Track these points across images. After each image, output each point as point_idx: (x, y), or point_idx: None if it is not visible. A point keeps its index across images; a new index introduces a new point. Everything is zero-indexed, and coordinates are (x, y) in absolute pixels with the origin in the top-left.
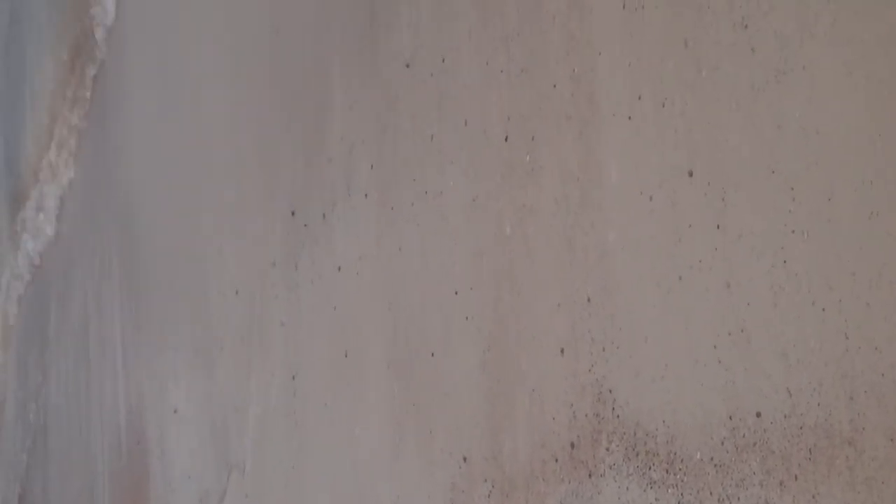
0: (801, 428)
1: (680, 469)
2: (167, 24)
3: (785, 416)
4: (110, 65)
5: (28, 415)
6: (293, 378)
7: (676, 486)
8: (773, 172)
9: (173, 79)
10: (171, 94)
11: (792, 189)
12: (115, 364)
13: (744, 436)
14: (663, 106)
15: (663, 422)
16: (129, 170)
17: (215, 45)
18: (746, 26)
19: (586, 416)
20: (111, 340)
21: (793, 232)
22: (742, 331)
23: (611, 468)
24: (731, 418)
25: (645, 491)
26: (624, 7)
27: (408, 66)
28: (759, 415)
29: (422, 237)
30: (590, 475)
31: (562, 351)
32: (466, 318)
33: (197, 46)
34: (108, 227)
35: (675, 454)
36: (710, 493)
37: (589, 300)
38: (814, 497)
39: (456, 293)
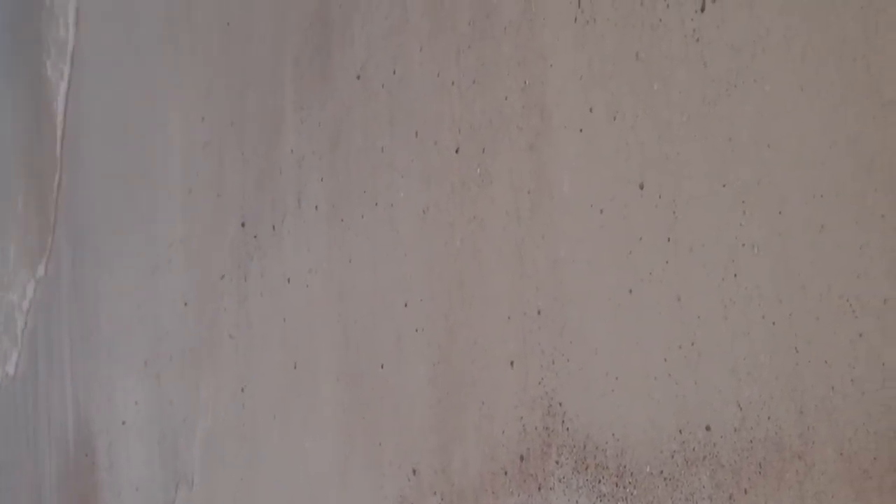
0: (751, 442)
1: (630, 482)
2: (120, 30)
3: (735, 430)
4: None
5: None
6: (242, 390)
7: (626, 499)
8: (724, 186)
9: (123, 85)
10: (120, 101)
11: (743, 202)
12: (63, 375)
13: (693, 449)
14: (615, 119)
15: (613, 435)
16: (79, 176)
17: (168, 55)
18: (698, 39)
19: (536, 429)
20: (59, 351)
21: (743, 245)
22: (692, 344)
23: (560, 481)
24: (680, 432)
25: None
26: (576, 20)
27: (359, 77)
28: (708, 428)
29: (372, 249)
30: (539, 488)
31: (512, 364)
32: (416, 330)
33: (149, 54)
34: (57, 234)
35: (625, 467)
36: None
37: (539, 313)
38: None
39: (406, 305)
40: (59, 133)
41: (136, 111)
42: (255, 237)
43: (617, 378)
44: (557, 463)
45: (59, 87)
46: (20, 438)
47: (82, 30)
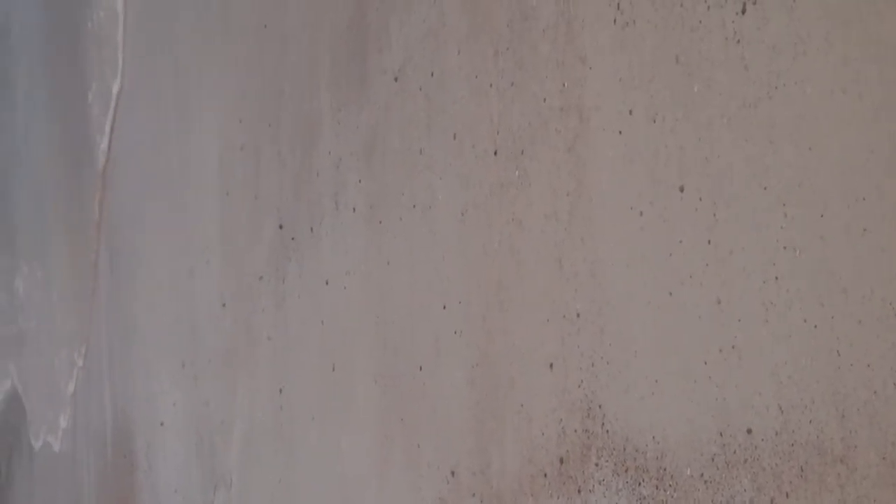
0: (792, 445)
1: (670, 485)
2: (164, 37)
3: (776, 433)
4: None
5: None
6: (280, 391)
7: (666, 502)
8: (765, 189)
9: (163, 92)
10: (160, 106)
11: (784, 205)
12: (102, 376)
13: (734, 452)
14: (654, 121)
15: (653, 438)
16: (118, 181)
17: (204, 58)
18: (739, 41)
19: (575, 431)
20: (98, 352)
21: (784, 248)
22: (733, 347)
23: (600, 484)
24: (721, 434)
25: None
26: (615, 22)
27: (396, 79)
28: (749, 431)
29: (410, 251)
30: (579, 491)
31: (551, 366)
32: (455, 332)
33: (185, 57)
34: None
35: (665, 470)
36: None
37: (578, 315)
38: None
39: (444, 307)
40: (102, 146)
41: (173, 114)
42: (292, 239)
43: (657, 381)
44: (597, 465)
45: (107, 100)
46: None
47: (128, 44)
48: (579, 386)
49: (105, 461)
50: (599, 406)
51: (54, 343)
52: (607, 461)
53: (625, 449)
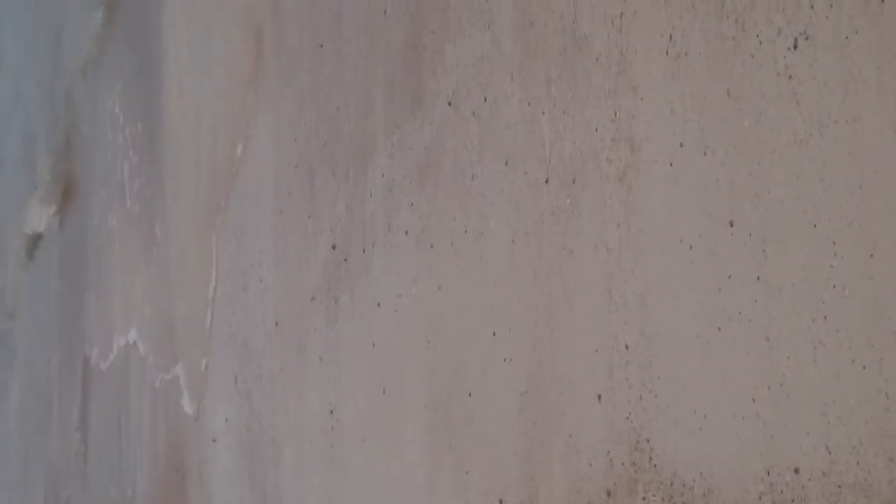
0: (839, 486)
1: None
2: (210, 51)
3: (823, 474)
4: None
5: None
6: (331, 412)
7: None
8: (815, 226)
9: (214, 105)
10: (212, 121)
11: (834, 244)
12: (155, 391)
13: (781, 492)
14: (705, 154)
15: (700, 474)
16: (174, 196)
17: (259, 75)
18: (790, 77)
19: (623, 464)
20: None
21: (834, 287)
22: (781, 385)
23: None
24: (768, 473)
25: None
26: (667, 53)
27: (450, 104)
28: (797, 471)
29: (461, 276)
30: None
31: (599, 397)
32: (504, 359)
33: (238, 73)
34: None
35: None
36: None
37: (627, 347)
38: None
39: (494, 334)
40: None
41: (227, 131)
42: (345, 260)
43: (705, 416)
44: (644, 500)
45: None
46: (111, 454)
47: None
48: (627, 418)
49: (157, 475)
50: (647, 439)
51: None
52: (654, 495)
53: (672, 484)
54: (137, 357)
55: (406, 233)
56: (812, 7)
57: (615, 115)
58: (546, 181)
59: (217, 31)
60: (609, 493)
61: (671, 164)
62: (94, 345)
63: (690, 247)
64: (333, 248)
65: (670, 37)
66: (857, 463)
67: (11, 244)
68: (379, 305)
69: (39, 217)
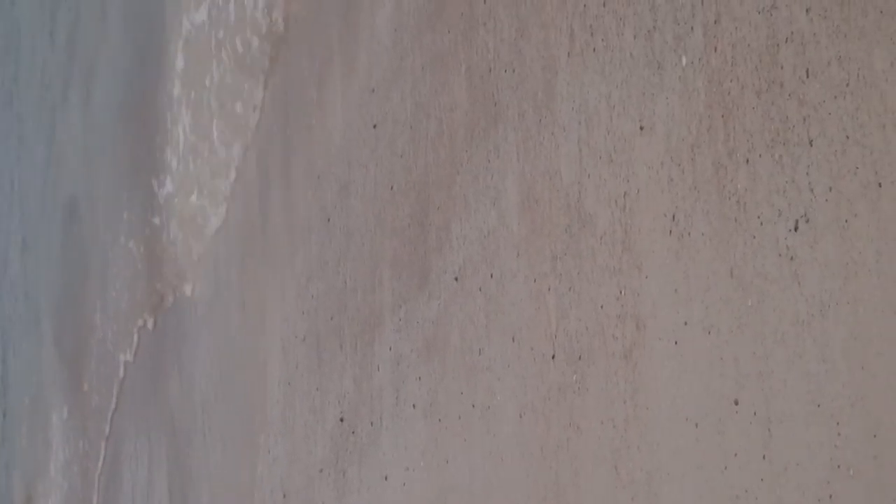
0: None
1: None
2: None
3: None
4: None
5: None
6: None
7: None
8: (819, 406)
9: (222, 280)
10: (220, 295)
11: (837, 423)
12: None
13: None
14: (709, 333)
15: None
16: (182, 368)
17: (268, 248)
18: (792, 258)
19: None
20: None
21: (839, 467)
22: None
23: None
24: None
25: None
26: (671, 232)
27: (457, 279)
28: None
29: (469, 450)
30: None
31: None
32: None
33: (249, 243)
34: (158, 425)
35: None
36: None
37: None
38: None
39: None
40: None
41: (235, 303)
42: (353, 433)
43: None
44: None
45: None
46: None
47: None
48: None
49: None
50: None
51: None
52: None
53: None
54: None
55: (414, 406)
56: (812, 190)
57: (620, 292)
58: (553, 357)
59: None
60: None
61: (676, 343)
62: None
63: (696, 425)
64: (341, 420)
65: (673, 216)
66: None
67: None
68: (387, 479)
69: None
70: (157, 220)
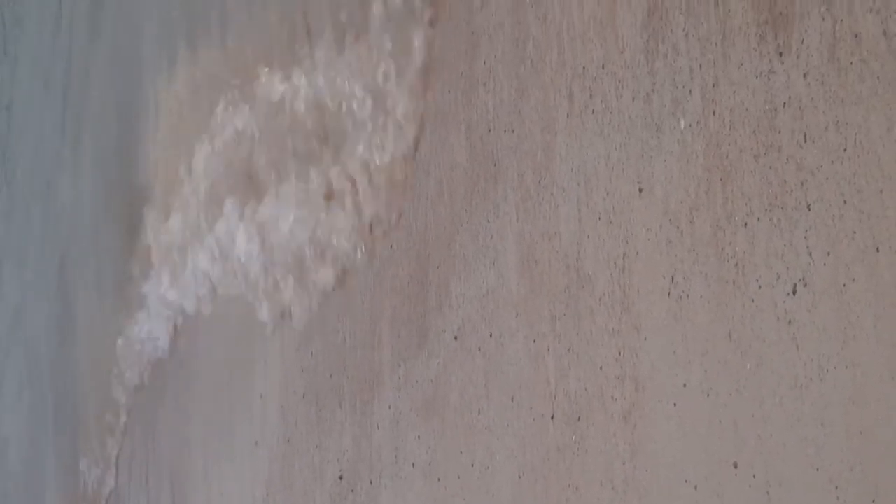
0: None
1: None
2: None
3: None
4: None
5: None
6: None
7: None
8: (818, 470)
9: (221, 329)
10: (221, 349)
11: (836, 488)
12: None
13: None
14: (708, 395)
15: None
16: (177, 430)
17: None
18: (790, 322)
19: None
20: None
21: None
22: None
23: None
24: None
25: None
26: (669, 294)
27: (456, 338)
28: None
29: None
30: None
31: None
32: None
33: (242, 297)
34: (161, 474)
35: None
36: None
37: None
38: None
39: None
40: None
41: (236, 358)
42: (352, 491)
43: None
44: None
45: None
46: None
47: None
48: None
49: None
50: None
51: None
52: None
53: None
54: None
55: (413, 465)
56: (810, 254)
57: (619, 353)
58: (552, 417)
59: None
60: None
61: (675, 405)
62: None
63: (695, 487)
64: (340, 478)
65: (672, 278)
66: None
67: None
68: None
69: None
70: None
